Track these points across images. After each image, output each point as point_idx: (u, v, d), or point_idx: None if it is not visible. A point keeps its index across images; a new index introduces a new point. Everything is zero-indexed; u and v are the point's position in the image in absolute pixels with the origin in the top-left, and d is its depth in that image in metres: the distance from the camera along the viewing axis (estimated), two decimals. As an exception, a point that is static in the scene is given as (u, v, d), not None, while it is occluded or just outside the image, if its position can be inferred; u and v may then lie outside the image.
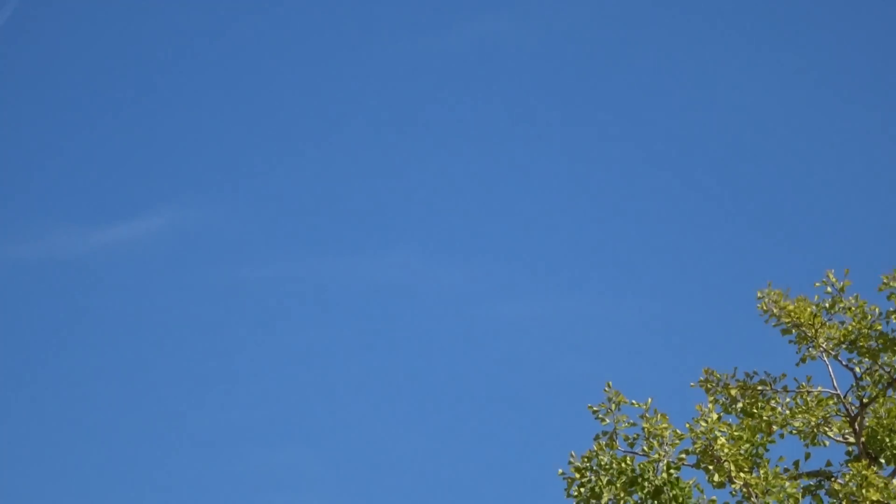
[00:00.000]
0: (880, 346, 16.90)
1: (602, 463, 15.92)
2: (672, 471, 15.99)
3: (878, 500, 15.78)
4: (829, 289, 17.35)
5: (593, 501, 16.10)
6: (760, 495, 15.80)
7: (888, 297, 16.83)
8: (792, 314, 17.20)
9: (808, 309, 17.05)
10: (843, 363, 17.15)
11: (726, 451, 15.84)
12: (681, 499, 16.08)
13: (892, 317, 16.94)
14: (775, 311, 16.97)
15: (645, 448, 15.95)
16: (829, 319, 16.88)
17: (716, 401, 16.98)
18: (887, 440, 16.59)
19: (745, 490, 15.87)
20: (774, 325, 17.30)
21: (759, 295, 16.98)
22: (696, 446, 15.87)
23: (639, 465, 16.14)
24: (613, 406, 16.15)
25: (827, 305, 17.06)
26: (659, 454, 15.89)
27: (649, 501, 16.35)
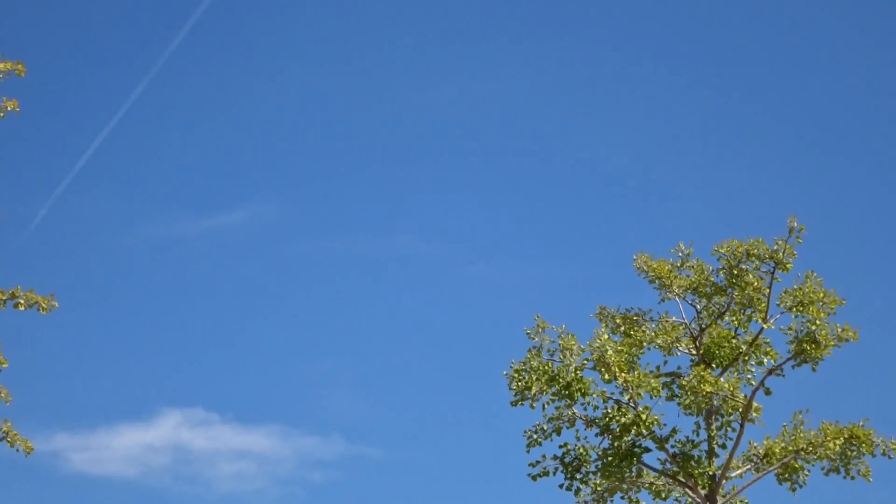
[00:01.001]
0: (713, 291, 22.72)
1: (532, 366, 21.29)
2: (577, 372, 21.58)
3: (709, 391, 21.48)
4: (679, 253, 23.27)
5: (526, 392, 21.60)
6: (634, 388, 21.20)
7: (718, 259, 22.28)
8: (655, 270, 23.00)
9: (666, 266, 22.91)
10: (689, 303, 23.13)
11: (613, 359, 21.31)
12: (583, 390, 21.45)
13: (720, 272, 22.79)
14: (645, 268, 22.51)
15: (560, 357, 21.39)
16: (680, 273, 22.50)
17: (606, 326, 22.62)
18: (717, 352, 22.46)
19: (625, 384, 21.35)
20: (644, 278, 23.03)
21: (634, 258, 22.46)
22: (593, 356, 21.26)
23: (556, 368, 21.42)
24: (540, 329, 21.63)
25: (678, 265, 23.01)
26: (569, 361, 21.26)
27: (563, 392, 21.63)
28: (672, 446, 22.12)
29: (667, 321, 23.04)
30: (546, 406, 21.97)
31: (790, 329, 21.88)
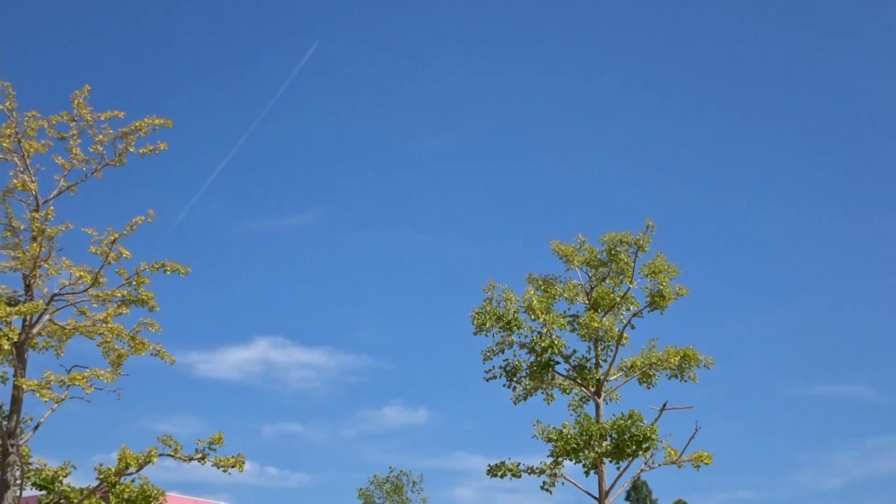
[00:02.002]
0: (599, 264, 27.98)
1: (486, 311, 26.36)
2: (514, 314, 26.78)
3: (596, 327, 26.37)
4: (578, 240, 28.60)
5: (482, 326, 26.50)
6: (550, 324, 26.25)
7: (602, 244, 27.74)
8: (563, 251, 28.20)
9: (570, 249, 28.20)
10: (584, 272, 28.33)
11: (536, 306, 26.54)
12: (518, 325, 26.43)
13: (604, 252, 27.96)
14: (557, 249, 28.07)
15: (504, 304, 26.62)
16: (579, 253, 27.70)
17: (533, 286, 27.81)
18: (601, 302, 27.50)
19: (544, 322, 26.27)
20: (557, 255, 28.10)
21: (550, 243, 28.04)
22: (524, 304, 26.73)
23: (501, 312, 26.44)
24: (491, 287, 26.88)
25: (578, 247, 28.31)
26: (509, 307, 26.61)
27: (505, 326, 26.56)
28: (573, 361, 27.09)
29: (570, 283, 28.05)
30: (495, 335, 26.75)
31: (647, 288, 26.91)
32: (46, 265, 21.92)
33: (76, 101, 22.67)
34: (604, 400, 26.25)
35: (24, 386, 21.15)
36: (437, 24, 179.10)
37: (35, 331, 21.79)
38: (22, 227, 22.09)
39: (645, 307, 27.02)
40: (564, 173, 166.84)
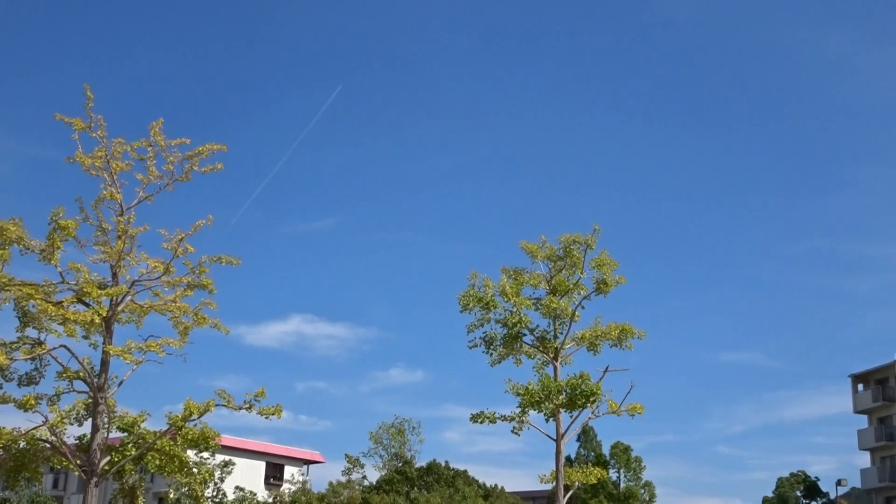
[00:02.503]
0: (557, 259, 27.25)
1: (470, 294, 26.27)
2: (492, 296, 26.10)
3: (555, 307, 25.92)
4: (541, 241, 27.80)
5: (467, 306, 26.29)
6: (519, 305, 25.82)
7: (560, 242, 26.97)
8: (530, 249, 27.47)
9: (535, 247, 27.56)
10: (546, 265, 27.55)
11: (509, 290, 26.31)
12: (494, 305, 26.27)
13: (561, 249, 27.02)
14: (525, 248, 27.34)
15: (484, 290, 26.41)
16: (542, 250, 27.47)
17: (506, 275, 27.16)
18: (559, 288, 26.78)
19: (514, 302, 25.83)
20: (525, 252, 27.31)
21: (519, 242, 27.44)
22: (499, 289, 26.30)
23: (481, 295, 26.28)
24: (474, 276, 26.54)
25: (541, 246, 27.57)
26: (487, 291, 26.35)
27: (485, 306, 26.15)
28: (536, 333, 26.83)
29: (535, 273, 27.57)
30: (476, 313, 26.48)
31: (594, 277, 26.49)
32: (129, 258, 22.22)
33: (153, 130, 22.98)
34: (560, 363, 26.21)
35: (111, 351, 21.51)
36: (434, 73, 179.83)
37: (119, 309, 22.06)
38: (110, 229, 22.31)
39: (592, 292, 26.79)
40: (532, 189, 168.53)
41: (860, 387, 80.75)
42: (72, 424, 21.65)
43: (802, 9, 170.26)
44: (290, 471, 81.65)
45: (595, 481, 27.21)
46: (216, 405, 21.81)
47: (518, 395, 24.89)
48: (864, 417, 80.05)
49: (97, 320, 21.10)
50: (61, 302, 21.18)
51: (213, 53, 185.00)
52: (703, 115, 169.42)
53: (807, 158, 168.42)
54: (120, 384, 22.14)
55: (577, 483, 26.39)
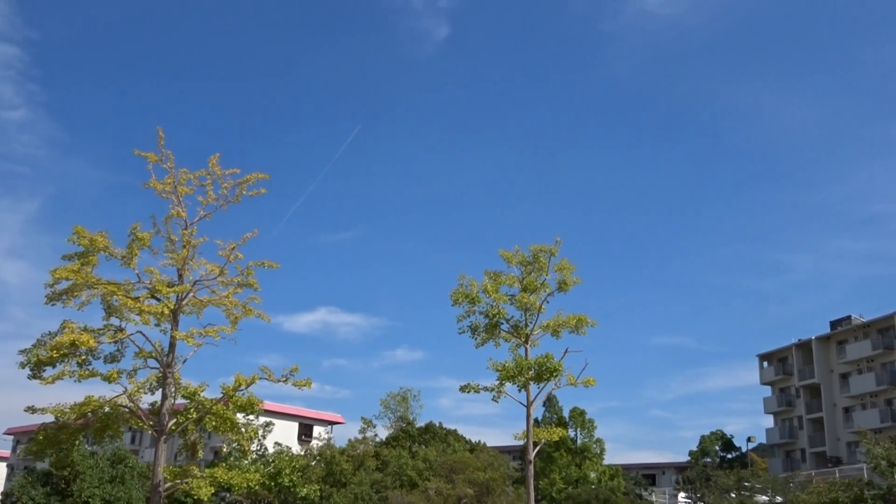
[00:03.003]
0: (527, 264, 26.21)
1: (459, 291, 25.52)
2: (476, 293, 25.53)
3: (526, 302, 25.14)
4: (515, 250, 26.06)
5: (457, 301, 25.33)
6: (497, 301, 25.25)
7: (529, 250, 25.96)
8: (506, 256, 25.93)
9: (509, 254, 25.94)
10: (518, 269, 26.15)
11: (489, 288, 25.10)
12: (478, 300, 25.38)
13: (531, 256, 25.98)
14: (504, 255, 26.01)
15: (470, 288, 25.51)
16: (515, 256, 26.11)
17: (488, 277, 25.98)
18: (529, 287, 25.59)
19: (494, 298, 25.16)
20: (503, 259, 26.10)
21: (499, 251, 26.27)
22: (482, 287, 25.46)
23: (468, 292, 25.44)
24: (463, 277, 25.86)
25: (514, 254, 26.25)
26: (473, 289, 25.61)
27: (471, 301, 25.39)
28: (511, 322, 25.62)
29: (510, 275, 26.28)
30: (464, 306, 25.75)
31: (556, 278, 25.87)
32: (191, 263, 22.32)
33: (211, 162, 23.20)
34: (530, 346, 25.74)
35: (177, 336, 21.57)
36: (429, 118, 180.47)
37: (184, 303, 22.07)
38: (176, 240, 22.37)
39: (555, 290, 26.30)
40: (508, 209, 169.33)
41: (765, 364, 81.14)
42: (146, 394, 21.76)
43: (718, 67, 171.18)
44: (317, 430, 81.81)
45: (557, 438, 26.85)
46: (259, 378, 21.82)
47: (497, 370, 24.63)
48: (769, 388, 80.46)
49: (166, 312, 21.30)
50: (138, 297, 21.29)
51: (263, 102, 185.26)
52: (643, 149, 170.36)
53: (725, 184, 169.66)
54: (184, 362, 22.23)
55: (543, 440, 26.06)
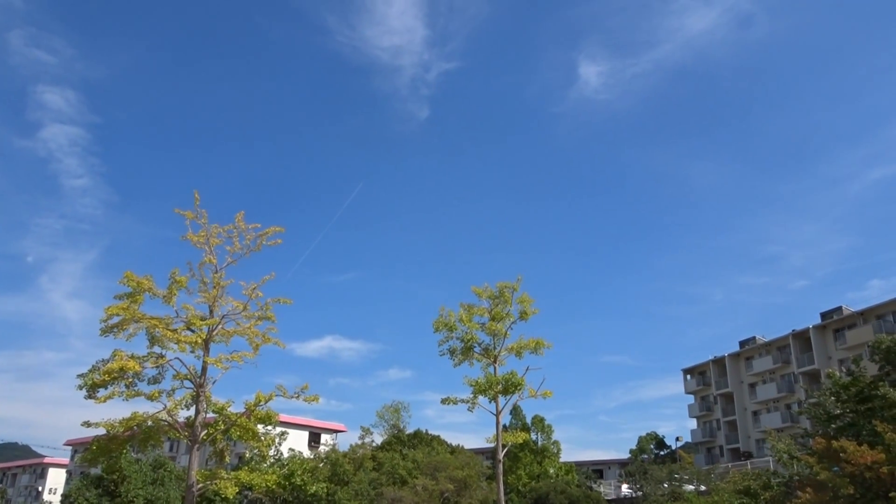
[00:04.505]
0: (495, 297, 25.03)
1: (441, 321, 24.39)
2: (454, 322, 24.53)
3: (494, 329, 24.58)
4: (484, 286, 25.22)
5: (438, 329, 24.34)
6: (471, 328, 24.22)
7: (496, 287, 25.10)
8: (479, 291, 24.98)
9: (481, 289, 25.12)
10: (488, 301, 25.30)
11: (463, 318, 24.30)
12: (454, 328, 24.28)
13: (497, 291, 25.07)
14: (476, 290, 25.08)
15: (448, 318, 24.50)
16: (485, 291, 25.09)
17: (463, 309, 24.91)
18: (496, 316, 24.63)
19: (468, 326, 24.40)
20: (476, 294, 25.32)
21: (472, 288, 25.31)
22: (458, 317, 24.55)
23: (447, 321, 24.40)
24: (443, 310, 24.82)
25: (485, 289, 25.09)
26: (450, 318, 24.48)
27: (448, 329, 24.32)
28: (482, 345, 24.83)
29: (481, 307, 25.41)
30: (444, 333, 24.81)
31: (518, 309, 24.97)
32: (220, 300, 22.01)
33: (237, 218, 23.08)
34: (498, 365, 25.04)
35: (209, 361, 21.26)
36: (420, 179, 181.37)
37: (214, 333, 21.72)
38: (208, 282, 22.10)
39: (517, 318, 25.49)
40: (478, 254, 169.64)
41: (688, 377, 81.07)
42: (182, 409, 21.27)
43: (642, 139, 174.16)
44: (324, 437, 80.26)
45: (522, 441, 26.06)
46: (276, 395, 21.44)
47: (471, 386, 24.12)
48: (692, 396, 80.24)
49: (200, 341, 21.00)
50: (176, 329, 21.00)
51: (280, 167, 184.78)
52: (586, 203, 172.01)
53: (651, 231, 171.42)
54: (214, 382, 21.77)
55: (510, 442, 25.33)
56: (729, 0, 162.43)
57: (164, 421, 21.27)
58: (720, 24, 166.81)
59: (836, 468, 24.77)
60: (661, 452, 74.54)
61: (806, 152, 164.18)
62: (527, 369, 25.39)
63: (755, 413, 69.69)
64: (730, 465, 57.97)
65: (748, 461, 57.03)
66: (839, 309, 63.57)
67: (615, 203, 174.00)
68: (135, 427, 20.97)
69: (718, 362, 75.34)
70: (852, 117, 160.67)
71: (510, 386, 24.50)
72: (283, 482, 38.28)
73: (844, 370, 33.18)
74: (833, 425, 28.97)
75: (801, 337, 65.56)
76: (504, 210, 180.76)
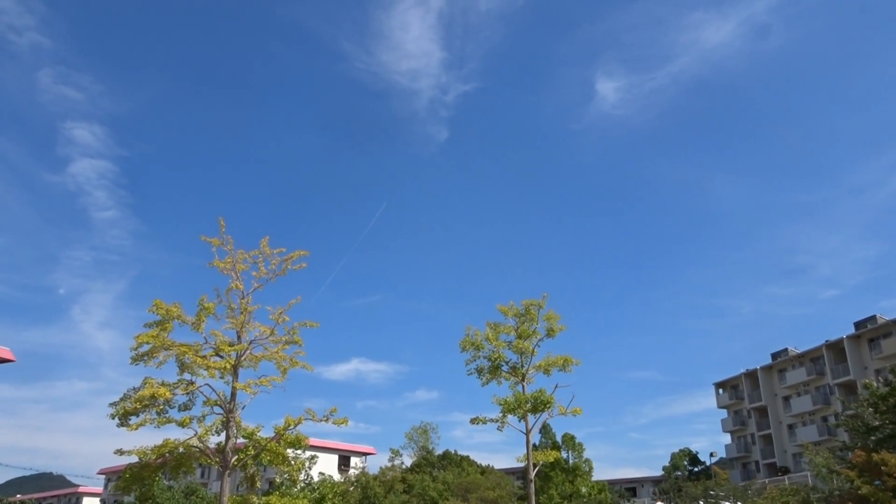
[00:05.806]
0: (521, 315, 25.15)
1: (467, 340, 24.72)
2: (481, 341, 24.76)
3: (521, 347, 24.38)
4: (511, 304, 25.41)
5: (465, 348, 24.41)
6: (498, 347, 24.42)
7: (522, 305, 25.27)
8: (503, 309, 25.27)
9: (506, 308, 25.50)
10: (514, 319, 25.25)
11: (490, 337, 24.52)
12: (482, 347, 24.38)
13: (523, 309, 25.23)
14: (502, 309, 25.47)
15: (475, 337, 24.84)
16: (511, 309, 25.24)
17: (489, 327, 25.21)
18: (523, 334, 24.70)
19: (495, 345, 24.52)
20: (501, 312, 25.42)
21: (497, 306, 25.59)
22: (485, 336, 24.65)
23: (473, 340, 24.69)
24: (469, 329, 25.07)
25: (510, 307, 25.28)
26: (477, 337, 24.82)
27: (476, 348, 24.45)
28: (510, 364, 24.75)
29: (508, 325, 25.55)
30: (471, 353, 24.92)
31: (545, 326, 24.97)
32: (248, 326, 21.99)
33: (262, 244, 23.16)
34: (526, 383, 24.93)
35: (238, 386, 21.18)
36: (440, 199, 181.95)
37: (242, 359, 21.69)
38: (235, 308, 22.12)
39: (545, 336, 25.39)
40: (504, 272, 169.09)
41: (720, 391, 79.68)
42: (213, 435, 21.26)
43: (663, 153, 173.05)
44: (354, 460, 79.94)
45: (552, 460, 25.83)
46: (305, 419, 21.37)
47: (500, 405, 23.92)
48: (725, 411, 78.79)
49: (228, 367, 20.95)
50: (206, 356, 20.92)
51: (306, 191, 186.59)
52: (608, 219, 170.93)
53: (676, 245, 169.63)
54: (243, 407, 21.71)
55: (540, 461, 25.04)
56: (745, 12, 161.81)
57: (196, 447, 21.26)
58: (737, 35, 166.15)
59: (877, 482, 24.07)
60: (695, 469, 73.03)
61: (827, 161, 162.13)
62: (556, 387, 25.01)
63: (790, 426, 68.05)
64: (766, 480, 56.59)
65: (785, 476, 55.65)
66: (873, 318, 62.09)
67: (637, 218, 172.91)
68: (166, 454, 20.97)
69: (751, 375, 73.90)
70: (874, 125, 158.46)
71: (539, 404, 24.19)
72: (313, 506, 38.09)
73: (882, 380, 32.32)
74: (872, 437, 28.20)
75: (835, 347, 64.08)
76: (526, 228, 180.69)
